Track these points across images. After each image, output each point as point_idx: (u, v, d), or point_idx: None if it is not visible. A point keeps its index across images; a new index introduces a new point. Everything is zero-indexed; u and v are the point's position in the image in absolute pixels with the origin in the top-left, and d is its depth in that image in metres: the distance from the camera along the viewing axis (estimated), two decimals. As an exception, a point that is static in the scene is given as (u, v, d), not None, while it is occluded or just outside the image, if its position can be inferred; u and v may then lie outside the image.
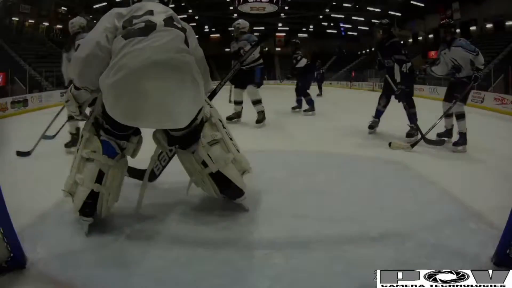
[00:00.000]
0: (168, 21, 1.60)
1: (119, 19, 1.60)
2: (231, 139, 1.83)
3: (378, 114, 4.19)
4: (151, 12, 1.61)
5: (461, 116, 3.50)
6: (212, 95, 2.17)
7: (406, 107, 3.82)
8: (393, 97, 3.95)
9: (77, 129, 3.59)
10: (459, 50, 3.47)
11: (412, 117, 3.80)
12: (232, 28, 4.93)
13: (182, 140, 1.71)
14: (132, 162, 1.85)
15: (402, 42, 3.88)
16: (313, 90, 11.45)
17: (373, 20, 26.40)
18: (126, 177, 1.86)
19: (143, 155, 1.84)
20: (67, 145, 3.48)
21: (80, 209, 1.59)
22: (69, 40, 3.86)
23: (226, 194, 1.83)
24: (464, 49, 3.46)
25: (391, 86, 3.85)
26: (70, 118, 3.63)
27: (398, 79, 3.75)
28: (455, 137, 3.49)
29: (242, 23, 4.78)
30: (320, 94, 11.89)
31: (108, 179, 1.60)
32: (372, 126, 4.18)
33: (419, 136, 3.58)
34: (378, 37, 4.00)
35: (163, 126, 1.64)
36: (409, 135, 3.77)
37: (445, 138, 3.61)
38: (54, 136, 4.12)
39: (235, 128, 4.84)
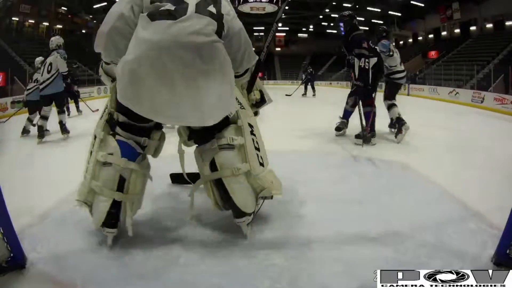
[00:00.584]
0: (201, 5, 1.39)
1: None
2: (257, 149, 1.58)
3: (346, 114, 3.92)
4: None
5: (391, 106, 3.82)
6: (249, 87, 1.81)
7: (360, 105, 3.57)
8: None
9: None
10: (378, 50, 3.69)
11: (367, 116, 3.55)
12: None
13: (197, 134, 1.56)
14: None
15: (366, 39, 3.62)
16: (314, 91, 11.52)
17: (373, 20, 26.45)
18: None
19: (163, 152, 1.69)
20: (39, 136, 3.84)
21: (104, 223, 1.44)
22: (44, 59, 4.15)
23: (229, 209, 1.60)
24: (379, 49, 3.66)
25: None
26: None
27: (356, 74, 3.52)
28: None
29: None
30: (314, 94, 11.51)
31: (130, 186, 1.44)
32: (340, 128, 3.92)
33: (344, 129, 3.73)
34: (340, 30, 3.81)
35: (185, 123, 1.45)
36: (337, 128, 3.80)
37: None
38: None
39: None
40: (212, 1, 1.45)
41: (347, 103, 3.91)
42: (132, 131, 1.46)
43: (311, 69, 11.78)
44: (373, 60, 3.57)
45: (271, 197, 1.62)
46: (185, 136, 1.60)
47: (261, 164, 1.57)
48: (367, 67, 3.48)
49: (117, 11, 1.40)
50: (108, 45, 1.43)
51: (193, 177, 1.73)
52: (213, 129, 1.50)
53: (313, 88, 11.58)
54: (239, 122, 1.56)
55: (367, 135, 3.47)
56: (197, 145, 1.60)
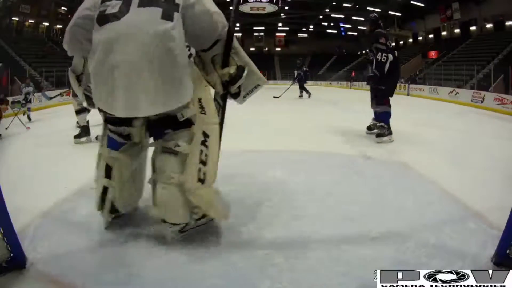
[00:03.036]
0: None
1: None
2: (203, 162, 1.49)
3: (376, 116, 4.11)
4: None
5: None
6: (224, 60, 1.60)
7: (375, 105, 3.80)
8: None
9: (87, 121, 4.02)
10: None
11: (383, 115, 3.74)
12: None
13: (149, 126, 1.57)
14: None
15: (385, 36, 3.79)
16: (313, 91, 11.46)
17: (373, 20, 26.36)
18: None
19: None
20: (78, 136, 3.92)
21: (99, 206, 1.59)
22: None
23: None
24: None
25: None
26: (78, 112, 4.04)
27: (373, 66, 3.74)
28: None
29: None
30: (301, 96, 10.71)
31: (116, 173, 1.56)
32: (371, 128, 4.12)
33: (389, 136, 3.66)
34: (368, 30, 4.03)
35: (126, 114, 1.43)
36: (378, 134, 3.74)
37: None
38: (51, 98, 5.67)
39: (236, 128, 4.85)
40: None
41: (371, 105, 4.03)
42: (114, 122, 1.54)
43: (306, 68, 11.22)
44: (390, 57, 3.68)
45: (211, 220, 1.60)
46: (142, 127, 1.59)
47: (200, 180, 1.48)
48: (384, 61, 3.63)
49: (81, 8, 1.50)
50: (71, 40, 1.52)
51: None
52: (167, 126, 1.50)
53: (303, 88, 10.74)
54: (194, 128, 1.51)
55: (384, 132, 3.62)
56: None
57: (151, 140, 1.68)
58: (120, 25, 1.36)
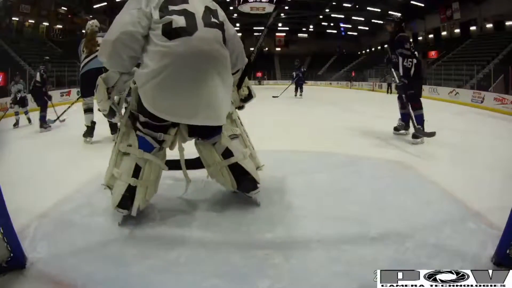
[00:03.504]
0: (206, 17, 1.60)
1: (148, 1, 1.57)
2: (247, 136, 1.96)
3: (403, 117, 4.06)
4: None
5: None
6: (239, 83, 2.05)
7: (411, 108, 3.79)
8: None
9: (92, 122, 3.96)
10: None
11: (418, 118, 3.72)
12: None
13: (205, 131, 1.72)
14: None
15: (410, 39, 3.91)
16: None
17: (373, 20, 26.41)
18: None
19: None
20: (84, 135, 3.88)
21: (118, 204, 1.62)
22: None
23: (242, 186, 1.85)
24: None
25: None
26: (86, 111, 3.99)
27: (400, 72, 3.79)
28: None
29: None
30: (296, 95, 11.06)
31: (144, 173, 1.63)
32: (397, 128, 4.10)
33: (422, 137, 3.60)
34: (389, 31, 4.01)
35: (210, 122, 1.64)
36: (414, 136, 3.68)
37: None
38: (55, 121, 5.17)
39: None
40: (211, 11, 1.66)
41: (401, 109, 4.04)
42: (150, 128, 1.63)
43: (304, 69, 11.73)
44: (414, 61, 3.74)
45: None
46: (185, 134, 1.75)
47: (252, 148, 1.98)
48: (409, 66, 3.71)
49: (124, 22, 1.54)
50: (112, 54, 1.57)
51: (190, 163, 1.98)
52: (220, 125, 1.72)
53: (301, 88, 11.20)
54: (233, 115, 1.90)
55: (420, 134, 3.62)
56: (200, 139, 1.81)
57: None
58: (196, 41, 1.51)
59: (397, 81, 3.84)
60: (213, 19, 1.63)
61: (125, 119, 1.70)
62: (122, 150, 1.65)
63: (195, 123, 1.61)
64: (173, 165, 1.99)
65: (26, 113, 6.18)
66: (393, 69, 3.99)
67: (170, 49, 1.49)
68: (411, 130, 3.77)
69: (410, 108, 3.77)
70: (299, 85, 11.30)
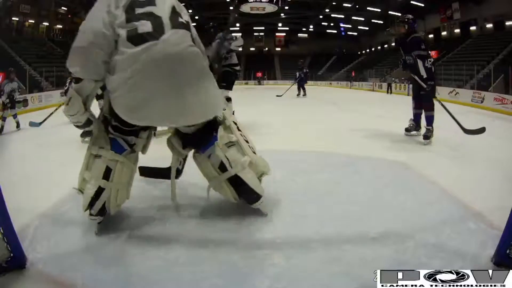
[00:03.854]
0: (174, 18, 1.57)
1: (117, 2, 1.52)
2: (247, 141, 1.81)
3: (416, 117, 4.02)
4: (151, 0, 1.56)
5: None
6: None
7: (424, 107, 3.77)
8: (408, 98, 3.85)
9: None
10: None
11: (430, 119, 3.71)
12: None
13: (195, 138, 1.69)
14: (143, 160, 1.85)
15: (424, 40, 3.79)
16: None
17: (373, 20, 26.40)
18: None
19: (155, 154, 1.89)
20: (82, 135, 3.74)
21: (88, 206, 1.56)
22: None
23: (244, 198, 1.78)
24: None
25: (418, 84, 3.73)
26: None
27: (424, 75, 3.62)
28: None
29: None
30: (298, 94, 11.33)
31: (115, 175, 1.58)
32: (408, 129, 4.04)
33: (431, 137, 3.61)
34: (401, 32, 3.83)
35: (177, 124, 1.62)
36: (425, 137, 3.67)
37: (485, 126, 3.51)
38: (40, 123, 4.81)
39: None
40: (177, 12, 1.61)
41: (414, 108, 4.00)
42: (122, 131, 1.60)
43: (307, 69, 11.95)
44: (431, 60, 3.67)
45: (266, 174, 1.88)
46: (179, 148, 1.74)
47: (254, 153, 1.80)
48: (430, 66, 3.61)
49: (97, 26, 1.48)
50: (86, 62, 1.51)
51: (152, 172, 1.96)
52: (211, 130, 1.68)
53: (303, 88, 11.47)
54: (226, 122, 1.77)
55: (430, 135, 3.65)
56: (195, 150, 1.75)
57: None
58: (163, 45, 1.46)
59: (425, 86, 3.63)
60: (180, 19, 1.59)
61: (98, 122, 1.65)
62: (94, 152, 1.59)
63: (169, 125, 1.60)
64: (146, 172, 2.02)
65: (14, 116, 5.50)
66: (412, 74, 3.77)
67: (134, 55, 1.44)
68: (423, 130, 3.75)
69: (424, 108, 3.73)
70: (301, 85, 11.49)
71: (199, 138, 1.69)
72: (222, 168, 1.68)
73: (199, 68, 1.58)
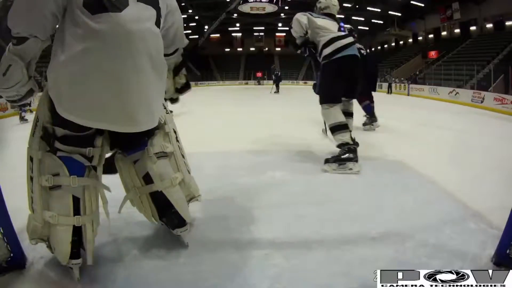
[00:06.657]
0: None
1: None
2: (183, 156, 1.52)
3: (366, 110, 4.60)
4: None
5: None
6: (178, 69, 1.64)
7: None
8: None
9: None
10: None
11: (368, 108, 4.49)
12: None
13: (127, 140, 1.34)
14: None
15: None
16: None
17: (373, 20, 26.38)
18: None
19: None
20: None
21: (68, 255, 1.22)
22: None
23: (166, 221, 1.48)
24: None
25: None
26: None
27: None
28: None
29: None
30: (277, 91, 14.89)
31: (86, 205, 1.25)
32: (366, 123, 4.51)
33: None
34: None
35: (144, 127, 1.26)
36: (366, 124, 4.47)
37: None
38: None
39: (233, 128, 4.84)
40: None
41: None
42: (75, 143, 1.22)
43: (278, 72, 16.30)
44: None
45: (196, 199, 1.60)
46: (106, 144, 1.36)
47: (188, 172, 1.53)
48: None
49: None
50: (31, 12, 1.13)
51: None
52: (145, 134, 1.34)
53: (277, 86, 15.51)
54: (166, 128, 1.43)
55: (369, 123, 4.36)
56: (119, 151, 1.41)
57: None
58: (124, 19, 1.14)
59: None
60: None
61: (37, 142, 1.22)
62: (47, 184, 1.19)
63: (124, 130, 1.22)
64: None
65: (20, 109, 5.63)
66: None
67: (90, 27, 1.10)
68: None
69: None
70: (276, 84, 15.47)
71: (129, 138, 1.31)
72: (147, 179, 1.37)
73: (157, 57, 1.26)
